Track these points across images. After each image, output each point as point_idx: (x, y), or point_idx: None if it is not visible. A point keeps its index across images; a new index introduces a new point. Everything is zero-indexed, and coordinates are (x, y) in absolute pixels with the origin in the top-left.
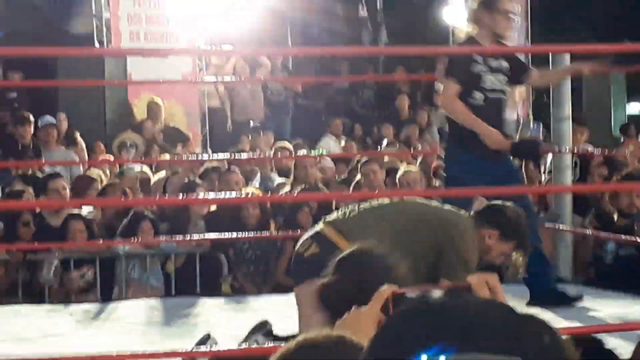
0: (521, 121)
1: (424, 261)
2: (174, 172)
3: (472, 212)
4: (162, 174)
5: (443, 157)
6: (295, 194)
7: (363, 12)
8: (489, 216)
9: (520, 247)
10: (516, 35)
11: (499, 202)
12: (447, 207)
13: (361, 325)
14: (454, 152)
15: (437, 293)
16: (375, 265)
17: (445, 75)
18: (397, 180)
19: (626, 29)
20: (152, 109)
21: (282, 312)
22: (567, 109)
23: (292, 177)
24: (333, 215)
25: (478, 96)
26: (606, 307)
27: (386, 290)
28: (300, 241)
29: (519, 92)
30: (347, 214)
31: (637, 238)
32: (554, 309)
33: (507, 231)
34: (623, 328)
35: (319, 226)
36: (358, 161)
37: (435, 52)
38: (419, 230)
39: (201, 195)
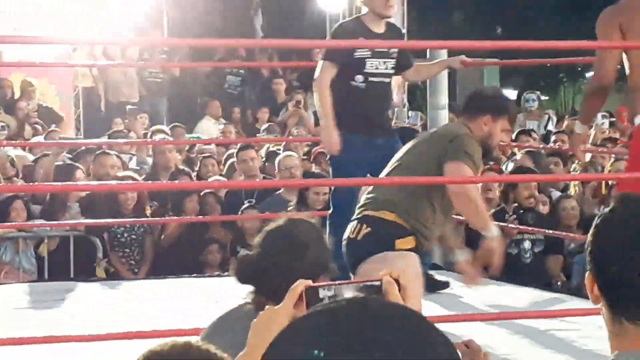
0: (396, 109)
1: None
2: (44, 154)
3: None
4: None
5: None
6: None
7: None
8: (473, 106)
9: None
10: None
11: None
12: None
13: (275, 324)
14: None
15: (350, 288)
16: (297, 241)
17: (323, 57)
18: (276, 166)
19: (499, 13)
20: (26, 89)
21: (156, 295)
22: (444, 98)
23: (151, 162)
24: (362, 201)
25: (359, 79)
26: (484, 295)
27: (299, 285)
28: (348, 229)
29: (395, 80)
30: (372, 191)
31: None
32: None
33: (495, 110)
34: (487, 317)
35: (359, 214)
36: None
37: (310, 45)
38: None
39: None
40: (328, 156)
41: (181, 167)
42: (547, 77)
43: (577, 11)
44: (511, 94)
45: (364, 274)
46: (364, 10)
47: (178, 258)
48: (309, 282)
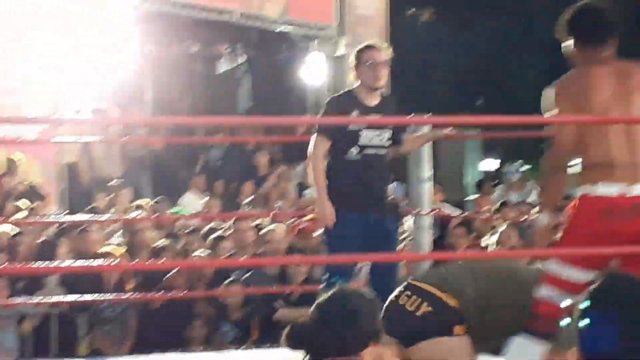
0: None
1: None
2: (22, 231)
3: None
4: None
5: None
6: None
7: (225, 67)
8: None
9: None
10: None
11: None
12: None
13: None
14: None
15: None
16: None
17: (316, 130)
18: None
19: (481, 85)
20: (10, 167)
21: None
22: (427, 170)
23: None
24: (421, 274)
25: (353, 152)
26: None
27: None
28: (401, 297)
29: None
30: (435, 270)
31: None
32: None
33: None
34: None
35: (415, 282)
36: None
37: (295, 122)
38: (507, 289)
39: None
40: (322, 230)
41: (163, 242)
42: (529, 147)
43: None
44: (493, 164)
45: (421, 353)
46: (356, 83)
47: (162, 333)
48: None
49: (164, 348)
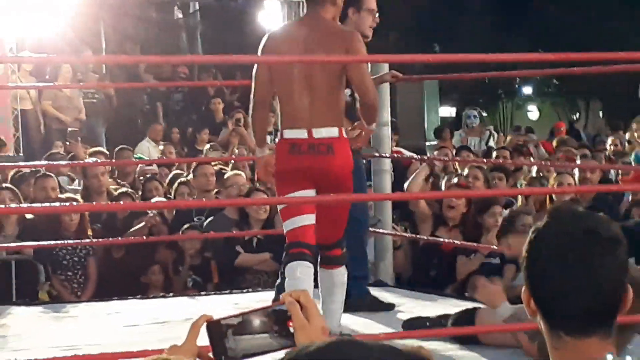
0: None
1: None
2: None
3: None
4: None
5: None
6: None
7: (179, 15)
8: None
9: None
10: None
11: None
12: None
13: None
14: None
15: (256, 315)
16: None
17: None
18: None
19: (435, 31)
20: None
21: (100, 318)
22: (386, 114)
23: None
24: None
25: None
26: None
27: (200, 319)
28: None
29: None
30: None
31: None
32: (369, 315)
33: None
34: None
35: None
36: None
37: (250, 60)
38: None
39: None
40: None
41: (122, 189)
42: (486, 94)
43: (506, 30)
44: (450, 111)
45: None
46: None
47: (121, 280)
48: (210, 316)
49: (123, 294)
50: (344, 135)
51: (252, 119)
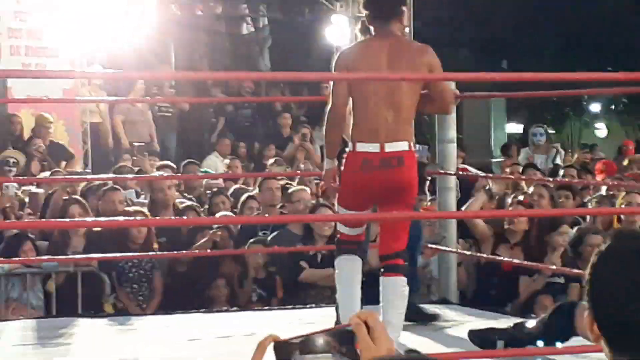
0: None
1: None
2: (53, 190)
3: None
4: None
5: None
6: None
7: (248, 29)
8: None
9: None
10: None
11: None
12: None
13: None
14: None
15: (320, 337)
16: None
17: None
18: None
19: (504, 48)
20: (42, 125)
21: (164, 331)
22: (453, 131)
23: (148, 199)
24: None
25: None
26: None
27: (266, 339)
28: None
29: None
30: None
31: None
32: (415, 326)
33: None
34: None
35: None
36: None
37: (317, 78)
38: None
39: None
40: None
41: (187, 203)
42: (553, 111)
43: (575, 48)
44: (517, 128)
45: None
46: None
47: (187, 294)
48: (276, 336)
49: (188, 308)
50: (413, 148)
51: (327, 132)
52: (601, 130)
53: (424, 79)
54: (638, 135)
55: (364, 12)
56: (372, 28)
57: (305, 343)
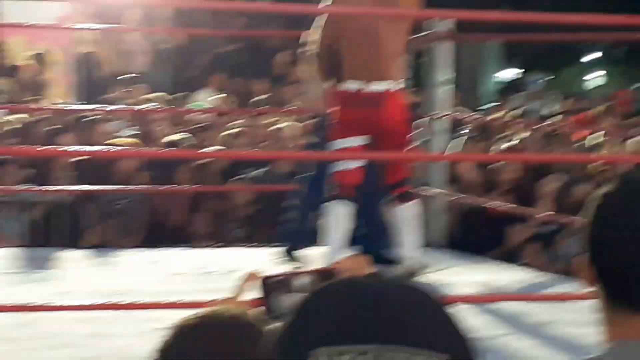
0: None
1: None
2: (38, 119)
3: None
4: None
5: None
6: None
7: None
8: None
9: None
10: None
11: None
12: None
13: None
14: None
15: (304, 277)
16: None
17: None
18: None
19: None
20: (39, 61)
21: (146, 266)
22: (447, 73)
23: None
24: None
25: None
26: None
27: (249, 275)
28: None
29: None
30: None
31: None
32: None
33: None
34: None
35: None
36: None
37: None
38: None
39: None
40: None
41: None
42: (550, 57)
43: None
44: (515, 73)
45: None
46: None
47: (170, 228)
48: (260, 273)
49: (171, 242)
50: (398, 88)
51: (320, 65)
52: (600, 79)
53: (413, 15)
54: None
55: None
56: None
57: (290, 280)
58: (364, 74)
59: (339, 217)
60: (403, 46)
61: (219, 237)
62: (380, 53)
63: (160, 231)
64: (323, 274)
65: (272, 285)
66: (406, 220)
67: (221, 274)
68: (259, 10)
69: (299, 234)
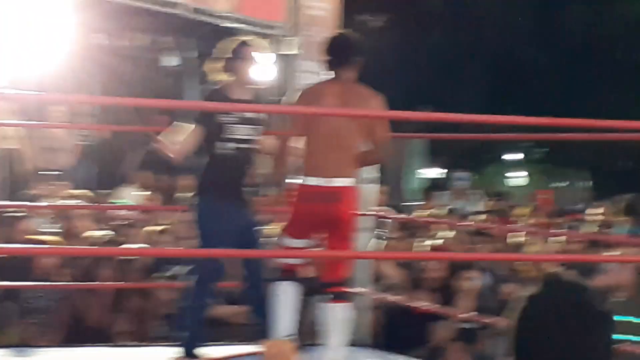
0: None
1: None
2: None
3: None
4: None
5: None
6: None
7: (177, 61)
8: None
9: None
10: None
11: None
12: None
13: None
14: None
15: None
16: None
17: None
18: None
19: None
20: None
21: None
22: (374, 171)
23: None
24: None
25: (226, 146)
26: None
27: None
28: None
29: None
30: None
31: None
32: None
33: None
34: None
35: None
36: None
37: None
38: None
39: None
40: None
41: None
42: (475, 158)
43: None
44: (440, 172)
45: None
46: (230, 78)
47: (94, 326)
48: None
49: (93, 341)
50: (354, 185)
51: (276, 160)
52: (521, 179)
53: (363, 116)
54: (557, 185)
55: (324, 59)
56: (332, 72)
57: None
58: (326, 170)
59: (285, 297)
60: (375, 142)
61: (141, 336)
62: (346, 152)
63: (81, 330)
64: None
65: None
66: (338, 320)
67: None
68: (186, 106)
69: (196, 331)
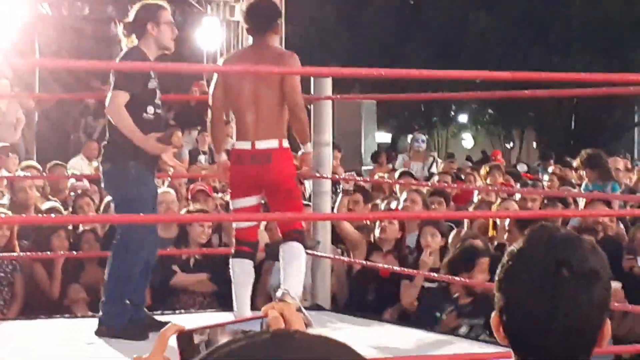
0: None
1: None
2: None
3: None
4: None
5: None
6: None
7: (114, 30)
8: None
9: None
10: None
11: None
12: None
13: None
14: (121, 163)
15: (228, 328)
16: None
17: (116, 87)
18: None
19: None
20: None
21: (27, 337)
22: (328, 135)
23: (9, 200)
24: None
25: (150, 110)
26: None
27: (168, 330)
28: None
29: None
30: None
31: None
32: None
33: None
34: None
35: None
36: None
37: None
38: None
39: None
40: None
41: (50, 204)
42: (421, 120)
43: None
44: (386, 136)
45: None
46: (147, 41)
47: (49, 298)
48: (181, 327)
49: (49, 312)
50: (284, 146)
51: (210, 131)
52: (467, 140)
53: (286, 72)
54: (503, 146)
55: (244, 25)
56: (250, 38)
57: (214, 336)
58: (252, 133)
59: (240, 274)
60: (295, 105)
61: (98, 307)
62: (266, 113)
63: (37, 302)
64: (254, 325)
65: (192, 340)
66: (292, 256)
67: (102, 343)
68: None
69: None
